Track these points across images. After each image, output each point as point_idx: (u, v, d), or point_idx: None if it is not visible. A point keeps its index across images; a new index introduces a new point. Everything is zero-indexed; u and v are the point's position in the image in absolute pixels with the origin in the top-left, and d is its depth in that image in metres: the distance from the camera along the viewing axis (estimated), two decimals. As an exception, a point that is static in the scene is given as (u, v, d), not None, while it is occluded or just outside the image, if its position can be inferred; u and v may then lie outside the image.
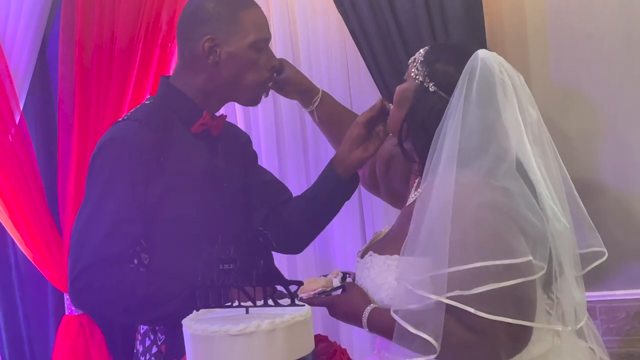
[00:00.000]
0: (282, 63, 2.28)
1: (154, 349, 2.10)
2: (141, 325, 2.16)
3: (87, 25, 2.95)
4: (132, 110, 2.18)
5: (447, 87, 1.87)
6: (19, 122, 3.05)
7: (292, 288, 1.61)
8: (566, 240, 1.80)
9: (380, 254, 1.95)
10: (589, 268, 1.89)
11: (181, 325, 1.54)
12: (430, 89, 1.91)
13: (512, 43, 2.89)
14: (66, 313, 3.09)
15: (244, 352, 1.48)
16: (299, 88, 2.33)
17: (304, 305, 1.57)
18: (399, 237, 1.89)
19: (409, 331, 1.73)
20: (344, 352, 1.68)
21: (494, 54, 1.88)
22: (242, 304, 1.59)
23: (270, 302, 1.57)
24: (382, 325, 1.86)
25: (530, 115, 1.87)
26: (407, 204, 2.04)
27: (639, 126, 2.90)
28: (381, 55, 2.83)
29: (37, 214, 3.05)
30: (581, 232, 1.87)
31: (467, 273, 1.69)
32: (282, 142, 3.04)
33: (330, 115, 2.36)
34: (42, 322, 3.21)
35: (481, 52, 1.85)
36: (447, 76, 1.89)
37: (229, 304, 1.61)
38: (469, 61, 1.84)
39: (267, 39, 2.15)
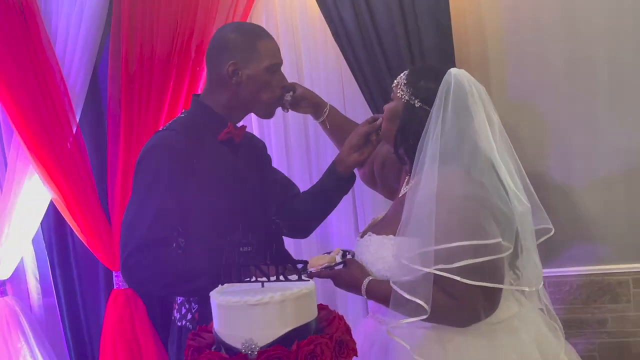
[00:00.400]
0: (296, 85, 2.31)
1: (189, 316, 2.11)
2: (178, 297, 2.16)
3: (131, 53, 2.92)
4: (169, 122, 2.18)
5: (430, 101, 1.88)
6: (75, 132, 3.03)
7: (299, 266, 1.61)
8: (527, 219, 1.83)
9: (378, 234, 1.97)
10: (540, 240, 1.90)
11: (209, 297, 1.53)
12: (416, 105, 1.92)
13: (476, 66, 2.86)
14: (114, 288, 3.08)
15: (260, 318, 1.48)
16: (311, 102, 2.34)
17: (308, 281, 1.58)
18: (392, 222, 1.93)
19: (403, 297, 1.75)
20: (341, 317, 1.65)
21: (463, 70, 1.90)
22: (259, 279, 1.59)
23: (281, 277, 1.57)
24: (378, 294, 1.90)
25: (494, 120, 1.88)
26: (399, 195, 2.05)
27: (579, 133, 2.89)
28: (370, 77, 2.82)
29: (91, 207, 3.04)
30: (533, 213, 1.88)
31: (450, 250, 1.71)
32: (290, 147, 3.03)
33: (336, 124, 2.37)
34: (95, 296, 3.20)
35: (453, 70, 1.88)
36: (429, 92, 1.89)
37: (248, 279, 1.60)
38: (444, 78, 1.86)
39: (280, 63, 2.14)
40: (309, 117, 2.79)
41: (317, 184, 2.28)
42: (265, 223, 2.21)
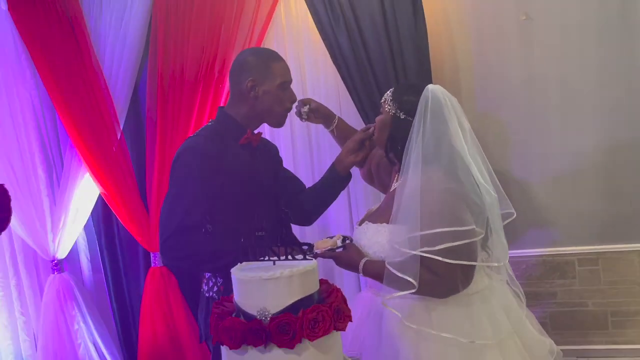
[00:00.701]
0: (312, 100, 2.32)
1: (215, 289, 2.11)
2: (206, 273, 2.15)
3: (165, 73, 2.93)
4: (199, 130, 2.16)
5: (413, 112, 1.89)
6: (119, 138, 3.05)
7: (304, 248, 1.61)
8: (495, 207, 1.85)
9: (374, 223, 1.97)
10: (506, 222, 1.92)
11: (231, 273, 1.54)
12: (401, 117, 1.94)
13: (449, 82, 2.88)
14: (152, 266, 3.11)
15: (271, 290, 1.49)
16: (323, 114, 2.35)
17: (311, 260, 1.57)
18: (385, 212, 1.94)
19: (395, 275, 1.77)
20: (338, 290, 1.65)
21: (439, 86, 1.90)
22: (271, 258, 1.58)
23: (289, 257, 1.58)
24: (372, 272, 1.90)
25: (465, 126, 1.89)
26: (390, 190, 2.04)
27: (534, 138, 2.90)
28: (362, 92, 2.83)
29: (132, 200, 3.07)
30: (499, 201, 1.91)
31: (433, 235, 1.73)
32: (296, 150, 3.03)
33: (342, 132, 2.38)
34: (135, 273, 3.22)
35: (430, 86, 1.88)
36: (411, 105, 1.89)
37: (262, 258, 1.60)
38: (423, 93, 1.87)
39: (289, 81, 2.12)
40: (312, 127, 2.82)
41: (319, 181, 2.27)
42: (276, 212, 2.20)
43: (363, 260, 1.91)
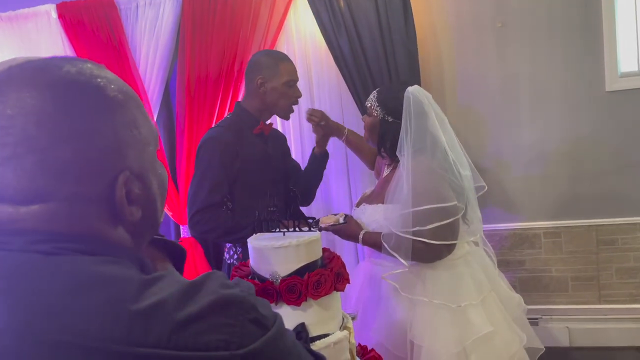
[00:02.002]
0: (327, 118, 2.24)
1: (235, 256, 2.11)
2: (226, 244, 2.15)
3: (192, 74, 2.90)
4: (219, 122, 2.15)
5: (398, 114, 1.87)
6: None
7: (310, 221, 1.58)
8: (470, 182, 1.86)
9: (370, 204, 1.97)
10: (478, 194, 1.93)
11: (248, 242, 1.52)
12: (389, 120, 1.92)
13: (435, 81, 2.87)
14: (182, 237, 3.09)
15: (282, 258, 1.47)
16: (335, 127, 2.30)
17: (316, 231, 1.55)
18: (379, 195, 1.95)
19: (389, 251, 1.79)
20: (339, 257, 1.63)
21: (416, 86, 1.88)
22: (281, 230, 1.57)
23: (296, 229, 1.56)
24: (370, 242, 1.90)
25: (442, 117, 1.89)
26: (382, 176, 2.05)
27: (507, 130, 2.88)
28: (360, 89, 2.80)
29: None
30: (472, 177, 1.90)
31: (423, 213, 1.73)
32: (304, 141, 3.01)
33: (352, 141, 2.32)
34: None
35: (410, 88, 1.86)
36: (397, 108, 1.87)
37: (274, 230, 1.58)
38: (405, 95, 1.85)
39: (295, 80, 2.09)
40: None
41: (307, 165, 2.30)
42: (285, 191, 2.19)
43: (362, 232, 1.90)
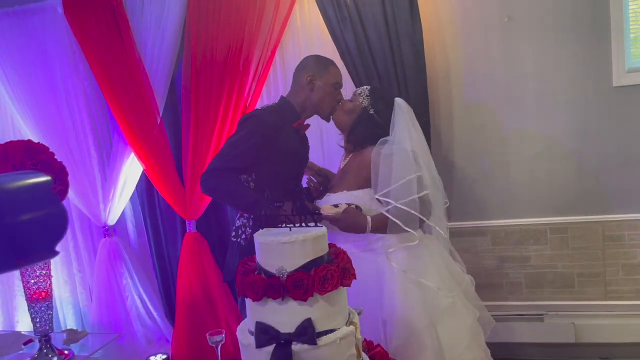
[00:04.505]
0: (328, 173, 2.40)
1: (243, 236, 2.20)
2: (237, 221, 2.23)
3: (197, 67, 2.86)
4: (266, 105, 2.26)
5: (380, 113, 2.09)
6: (159, 123, 2.98)
7: (316, 217, 1.58)
8: (439, 191, 2.17)
9: (334, 192, 2.14)
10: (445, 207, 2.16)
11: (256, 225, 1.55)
12: (370, 111, 2.12)
13: (441, 75, 2.83)
14: (187, 231, 3.04)
15: (289, 252, 1.48)
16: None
17: (322, 227, 1.55)
18: (340, 184, 2.14)
19: (399, 227, 1.91)
20: (344, 252, 1.63)
21: (400, 98, 2.15)
22: (287, 225, 1.57)
23: (303, 224, 1.56)
24: (379, 225, 1.98)
25: (417, 126, 2.14)
26: (340, 167, 2.22)
27: (514, 123, 2.84)
28: (365, 82, 2.74)
29: (170, 175, 3.00)
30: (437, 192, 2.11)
31: (407, 184, 1.94)
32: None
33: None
34: (174, 238, 3.17)
35: (397, 99, 2.13)
36: (382, 108, 2.11)
37: (280, 225, 1.58)
38: (395, 103, 2.12)
39: (341, 85, 2.23)
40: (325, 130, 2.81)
41: None
42: (297, 188, 2.25)
43: (369, 217, 1.94)
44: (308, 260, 1.47)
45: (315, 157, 2.78)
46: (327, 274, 1.46)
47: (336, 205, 2.00)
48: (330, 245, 1.61)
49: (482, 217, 2.83)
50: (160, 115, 2.97)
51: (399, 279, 1.95)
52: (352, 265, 1.57)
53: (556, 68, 2.72)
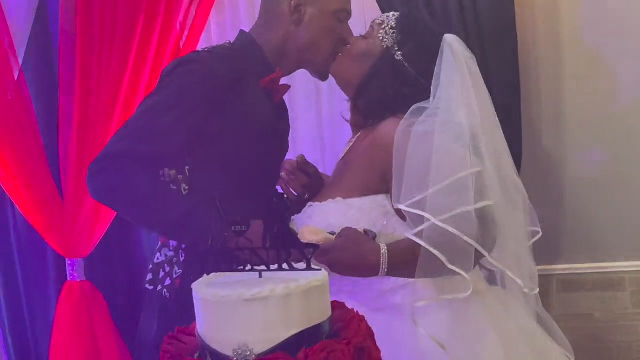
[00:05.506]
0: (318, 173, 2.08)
1: (167, 281, 1.71)
2: (156, 259, 1.85)
3: None
4: (209, 47, 1.93)
5: (413, 61, 1.69)
6: (17, 79, 2.43)
7: (308, 251, 1.27)
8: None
9: (321, 201, 1.77)
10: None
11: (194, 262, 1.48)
12: (396, 57, 1.69)
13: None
14: (68, 279, 2.52)
15: (257, 318, 1.11)
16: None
17: (320, 270, 1.25)
18: (337, 185, 1.79)
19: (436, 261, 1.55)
20: (362, 318, 1.25)
21: (452, 35, 1.68)
22: (255, 268, 1.28)
23: (284, 266, 1.24)
24: (404, 260, 1.49)
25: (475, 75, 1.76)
26: (340, 157, 1.93)
27: None
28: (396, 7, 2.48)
29: (37, 175, 2.46)
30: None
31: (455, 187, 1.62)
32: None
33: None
34: (43, 288, 2.60)
35: (447, 36, 1.65)
36: (415, 52, 1.66)
37: (241, 267, 1.30)
38: (442, 43, 1.64)
39: (349, 12, 1.93)
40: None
41: None
42: (269, 196, 1.96)
43: (383, 246, 1.56)
44: (293, 332, 1.15)
45: (308, 152, 2.42)
46: (328, 357, 1.13)
47: (332, 233, 1.70)
48: (335, 305, 1.30)
49: (611, 257, 2.36)
50: (20, 64, 2.49)
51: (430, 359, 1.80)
52: (374, 342, 1.25)
53: None
